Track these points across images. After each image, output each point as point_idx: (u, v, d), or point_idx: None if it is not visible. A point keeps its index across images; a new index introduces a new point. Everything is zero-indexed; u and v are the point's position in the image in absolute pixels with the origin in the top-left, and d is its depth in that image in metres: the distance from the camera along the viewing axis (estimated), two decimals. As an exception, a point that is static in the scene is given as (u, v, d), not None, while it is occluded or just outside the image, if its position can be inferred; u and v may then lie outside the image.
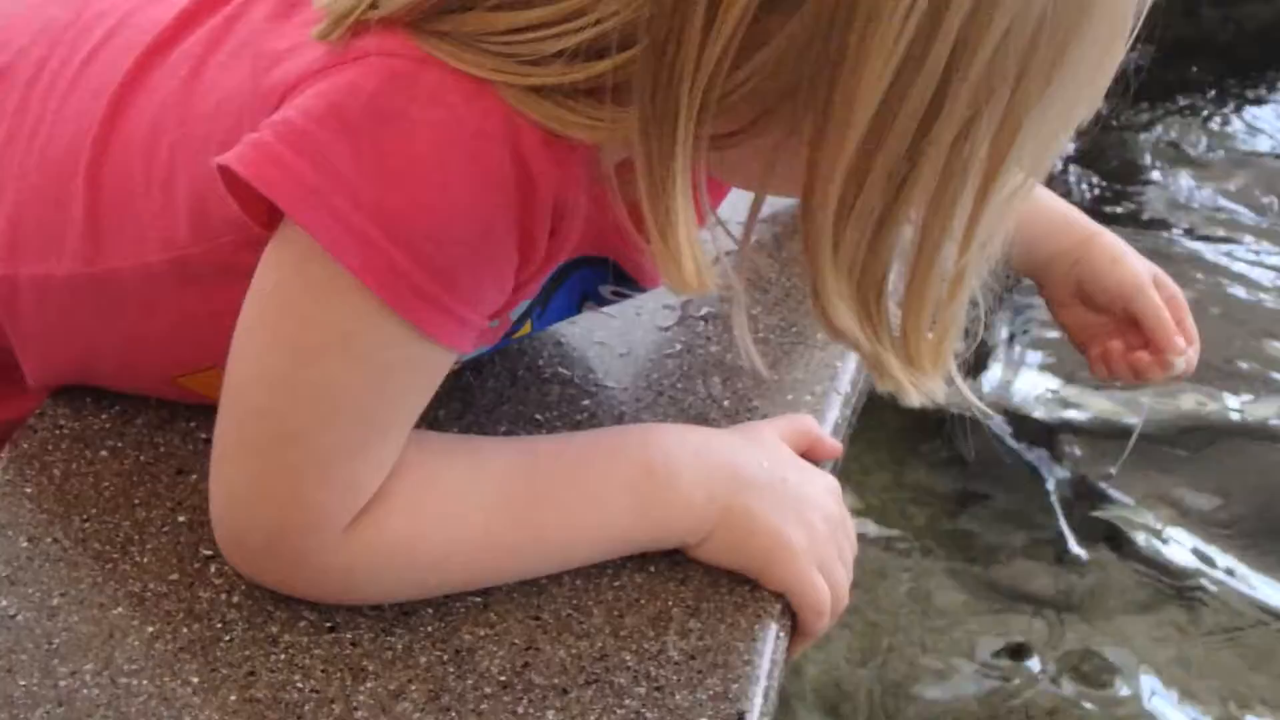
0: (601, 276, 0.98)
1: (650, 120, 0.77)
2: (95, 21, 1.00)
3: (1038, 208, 1.26)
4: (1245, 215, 1.65)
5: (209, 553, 0.91)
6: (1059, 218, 1.28)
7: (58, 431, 0.99)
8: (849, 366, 1.11)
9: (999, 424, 1.43)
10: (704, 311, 1.15)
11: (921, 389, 0.87)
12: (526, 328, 1.00)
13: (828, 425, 1.06)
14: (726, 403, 1.07)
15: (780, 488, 0.95)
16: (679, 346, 1.12)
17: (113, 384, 1.01)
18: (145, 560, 0.92)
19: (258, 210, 0.81)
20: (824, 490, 0.97)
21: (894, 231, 0.81)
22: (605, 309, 1.09)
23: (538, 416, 1.04)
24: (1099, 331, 1.27)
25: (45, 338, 0.98)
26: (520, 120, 0.78)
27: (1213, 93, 1.77)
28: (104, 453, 0.98)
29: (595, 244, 0.90)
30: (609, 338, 1.11)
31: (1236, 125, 1.76)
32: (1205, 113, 1.76)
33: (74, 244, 0.93)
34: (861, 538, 0.98)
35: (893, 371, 0.86)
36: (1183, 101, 1.77)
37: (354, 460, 0.84)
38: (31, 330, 0.98)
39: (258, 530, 0.86)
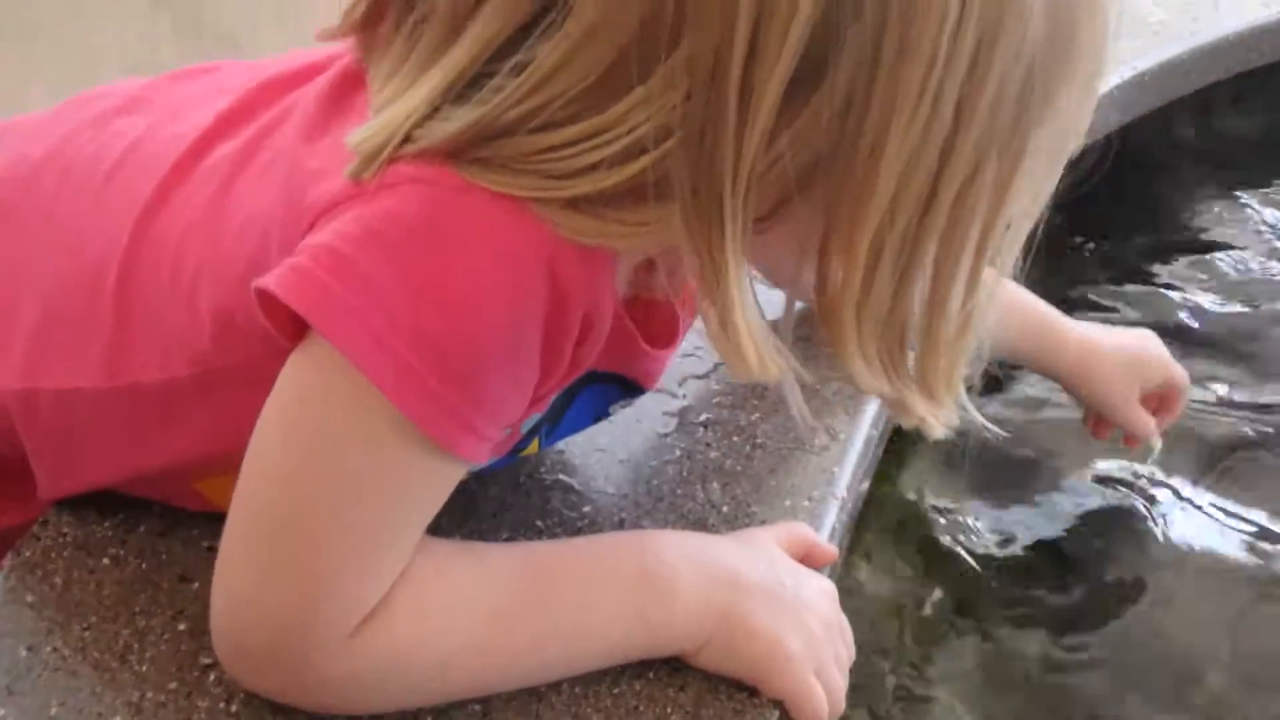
0: (609, 395, 0.99)
1: (695, 211, 0.78)
2: (116, 138, 1.00)
3: (1029, 320, 1.31)
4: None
5: (208, 661, 0.91)
6: (1053, 336, 1.34)
7: (60, 539, 1.00)
8: (845, 472, 1.11)
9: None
10: (703, 418, 1.16)
11: (942, 421, 0.88)
12: (534, 446, 1.01)
13: (824, 531, 1.06)
14: (725, 508, 1.07)
15: (778, 593, 0.95)
16: (679, 453, 1.12)
17: (128, 490, 1.01)
18: (144, 669, 0.92)
19: (288, 328, 0.82)
20: (820, 594, 0.98)
21: (913, 284, 0.83)
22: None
23: (539, 523, 1.05)
24: None
25: (63, 448, 0.99)
26: (558, 238, 0.79)
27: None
28: (106, 560, 0.98)
29: (607, 357, 0.91)
30: (610, 444, 1.12)
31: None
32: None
33: (99, 359, 0.94)
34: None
35: (917, 410, 0.87)
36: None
37: (363, 564, 0.85)
38: (49, 441, 0.99)
39: (261, 634, 0.85)
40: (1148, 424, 1.38)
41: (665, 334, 0.98)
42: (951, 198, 0.80)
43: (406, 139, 0.81)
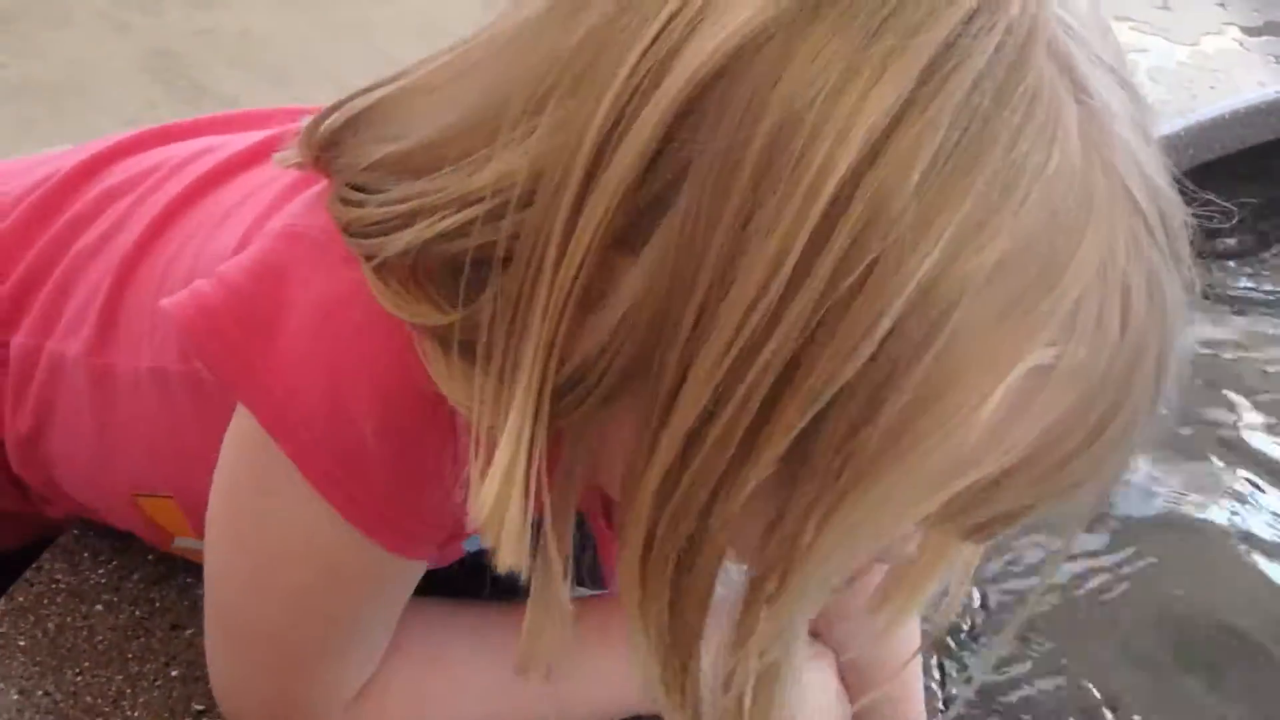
0: None
1: (499, 333, 0.70)
2: (193, 157, 0.99)
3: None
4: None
5: (200, 707, 0.91)
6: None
7: (54, 586, 1.00)
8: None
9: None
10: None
11: None
12: None
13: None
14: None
15: None
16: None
17: (81, 495, 1.00)
18: (136, 714, 0.92)
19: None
20: (821, 661, 0.98)
21: (709, 561, 0.69)
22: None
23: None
24: None
25: (39, 424, 0.97)
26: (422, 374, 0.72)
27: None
28: (99, 607, 0.98)
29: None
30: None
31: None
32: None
33: (89, 330, 0.93)
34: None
35: None
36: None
37: (332, 658, 0.84)
38: (31, 418, 0.97)
39: (253, 716, 0.86)
40: None
41: None
42: (772, 464, 0.65)
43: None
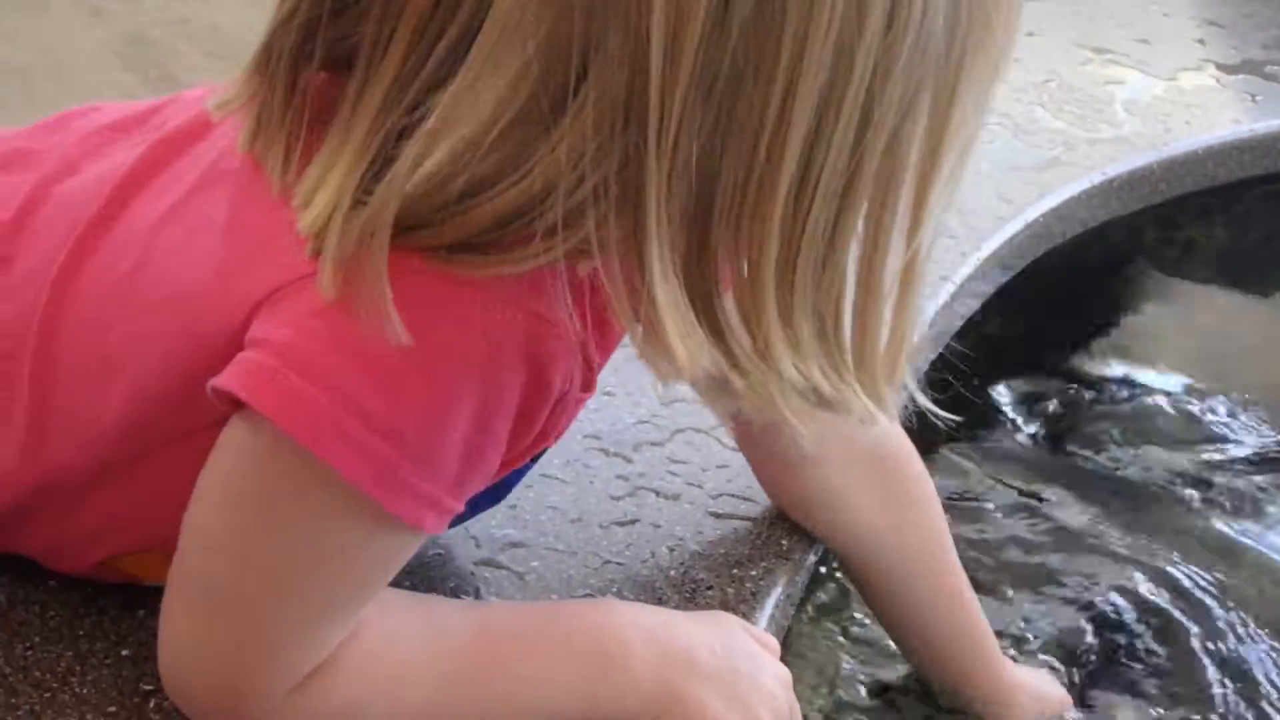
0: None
1: (618, 224, 0.74)
2: (47, 154, 0.95)
3: (971, 628, 1.19)
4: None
5: (149, 688, 0.92)
6: (990, 658, 1.20)
7: (5, 559, 0.99)
8: (796, 544, 1.12)
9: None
10: (656, 484, 1.17)
11: (886, 408, 0.83)
12: None
13: (772, 598, 1.07)
14: (673, 573, 1.08)
15: (732, 678, 0.94)
16: (629, 516, 1.13)
17: (36, 559, 0.99)
18: (85, 691, 0.92)
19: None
20: (775, 681, 0.97)
21: (843, 245, 0.77)
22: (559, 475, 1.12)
23: (487, 574, 1.06)
24: None
25: None
26: (539, 323, 0.77)
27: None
28: (52, 583, 0.98)
29: None
30: (562, 503, 1.13)
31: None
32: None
33: (20, 433, 0.89)
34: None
35: (855, 404, 0.82)
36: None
37: (301, 638, 0.83)
38: None
39: (199, 686, 0.85)
40: None
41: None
42: (882, 143, 0.75)
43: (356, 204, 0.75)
